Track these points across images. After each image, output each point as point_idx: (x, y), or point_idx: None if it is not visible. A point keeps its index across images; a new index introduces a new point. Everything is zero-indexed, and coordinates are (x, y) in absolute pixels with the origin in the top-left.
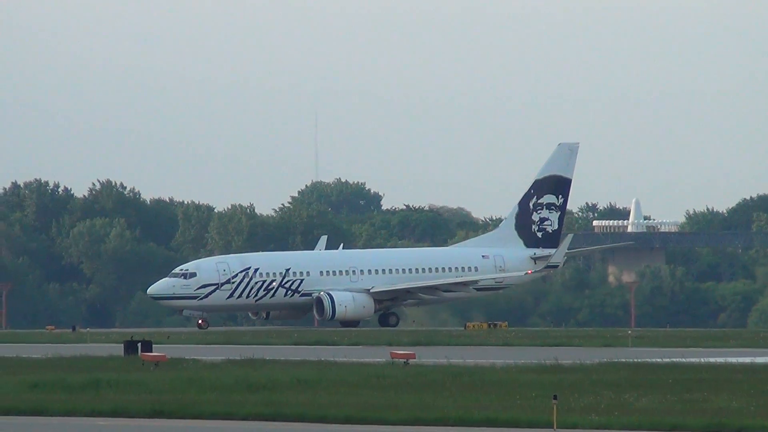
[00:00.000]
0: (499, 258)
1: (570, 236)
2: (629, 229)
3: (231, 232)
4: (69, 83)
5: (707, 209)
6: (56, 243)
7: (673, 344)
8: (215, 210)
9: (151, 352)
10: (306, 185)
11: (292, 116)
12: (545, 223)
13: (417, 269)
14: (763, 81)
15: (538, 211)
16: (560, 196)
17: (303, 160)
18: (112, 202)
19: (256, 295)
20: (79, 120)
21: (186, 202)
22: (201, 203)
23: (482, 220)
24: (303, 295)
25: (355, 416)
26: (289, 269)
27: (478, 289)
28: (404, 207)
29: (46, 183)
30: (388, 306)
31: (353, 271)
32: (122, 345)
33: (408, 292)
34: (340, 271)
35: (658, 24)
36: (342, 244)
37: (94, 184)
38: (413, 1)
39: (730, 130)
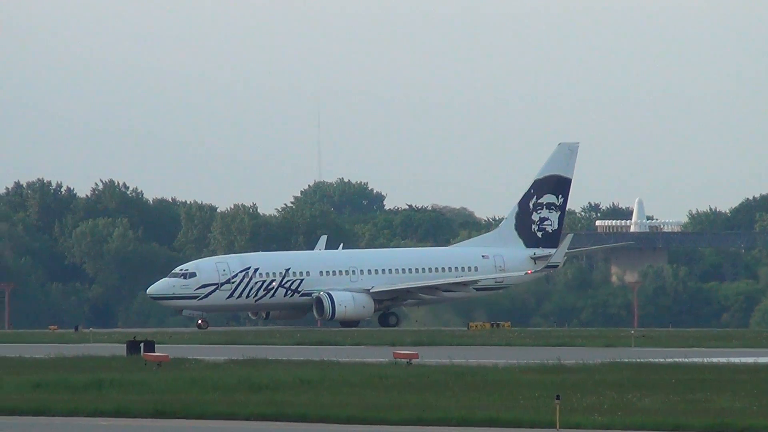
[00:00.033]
0: (499, 258)
1: (570, 236)
2: (632, 229)
3: (234, 232)
4: (72, 83)
5: (710, 209)
6: (59, 243)
7: (676, 344)
8: (218, 210)
9: (154, 352)
10: (309, 185)
11: (295, 116)
12: (545, 222)
13: (417, 269)
14: (766, 80)
15: (538, 211)
16: (560, 196)
17: (306, 160)
18: (115, 202)
19: (255, 295)
20: (81, 120)
21: (189, 202)
22: (204, 203)
23: (485, 220)
24: (303, 295)
25: (358, 416)
26: (288, 269)
27: (477, 289)
28: (407, 207)
29: (49, 183)
30: (388, 306)
31: (353, 271)
32: (125, 345)
33: (408, 292)
34: (340, 271)
35: (660, 23)
36: (342, 244)
37: (96, 184)
38: (415, 1)
39: (733, 130)
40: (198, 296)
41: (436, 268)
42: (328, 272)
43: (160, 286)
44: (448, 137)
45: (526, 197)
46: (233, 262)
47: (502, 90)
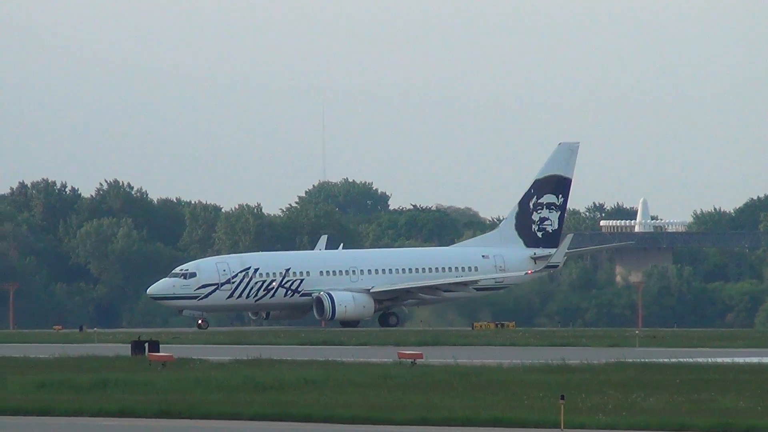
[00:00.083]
0: (499, 258)
1: (570, 236)
2: (636, 229)
3: (238, 232)
4: (76, 83)
5: (714, 209)
6: (63, 243)
7: (681, 344)
8: (222, 210)
9: (159, 352)
10: (313, 185)
11: (300, 116)
12: (545, 222)
13: (417, 269)
14: None
15: (538, 211)
16: (560, 196)
17: (310, 160)
18: (120, 202)
19: (255, 295)
20: (86, 120)
21: (193, 202)
22: (208, 203)
23: (489, 220)
24: (303, 295)
25: (362, 416)
26: (289, 269)
27: (478, 289)
28: (411, 207)
29: (54, 183)
30: (388, 306)
31: (353, 271)
32: (129, 345)
33: (408, 292)
34: (340, 271)
35: (664, 21)
36: (342, 244)
37: (101, 184)
38: (418, 1)
39: (737, 130)
40: (198, 296)
41: (437, 268)
42: (328, 272)
43: (161, 286)
44: (452, 137)
45: (527, 197)
46: (233, 262)
47: (504, 90)
